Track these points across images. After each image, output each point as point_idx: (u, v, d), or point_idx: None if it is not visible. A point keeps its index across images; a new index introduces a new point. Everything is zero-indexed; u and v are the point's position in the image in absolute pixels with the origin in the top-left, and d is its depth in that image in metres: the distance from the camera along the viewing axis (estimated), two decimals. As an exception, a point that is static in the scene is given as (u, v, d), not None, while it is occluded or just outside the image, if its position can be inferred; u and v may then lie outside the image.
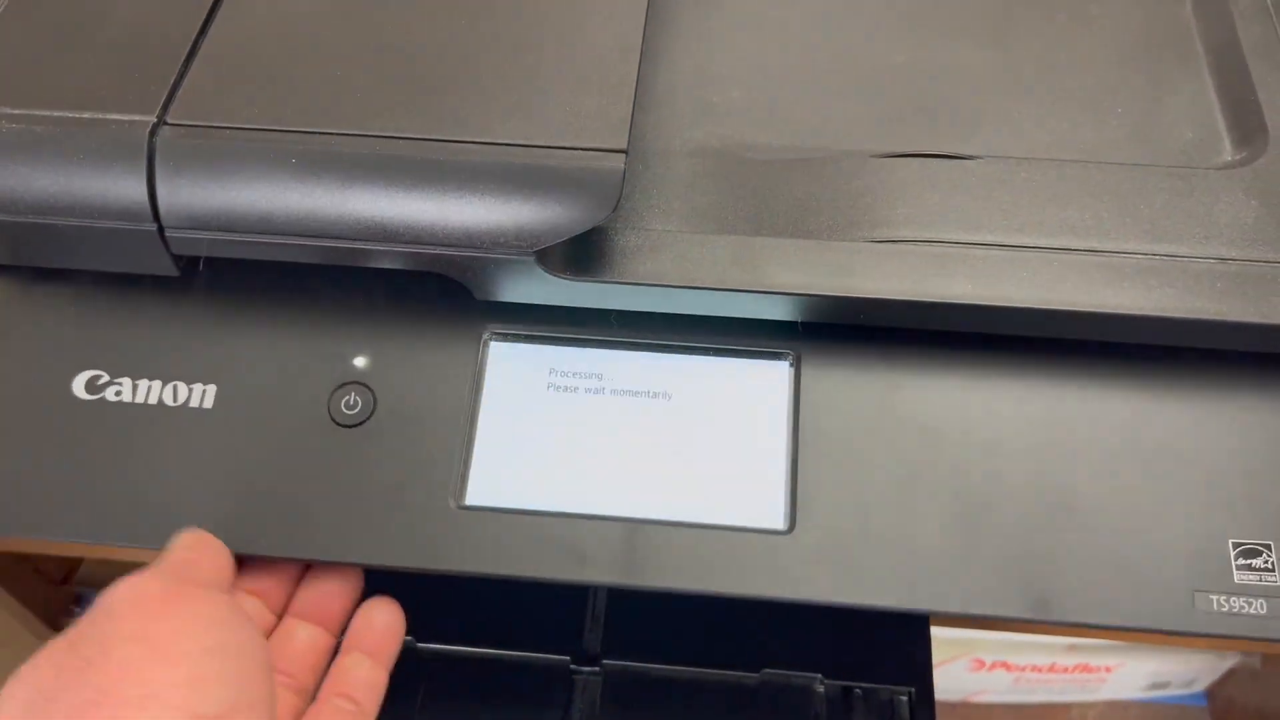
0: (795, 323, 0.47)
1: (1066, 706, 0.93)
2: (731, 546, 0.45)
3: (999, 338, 0.47)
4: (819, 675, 0.53)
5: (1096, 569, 0.44)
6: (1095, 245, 0.47)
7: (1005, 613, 0.44)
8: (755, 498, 0.46)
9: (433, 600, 0.53)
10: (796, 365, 0.47)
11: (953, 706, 0.93)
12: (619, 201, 0.44)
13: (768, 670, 0.53)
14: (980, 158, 0.50)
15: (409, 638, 0.54)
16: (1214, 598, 0.43)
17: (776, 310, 0.47)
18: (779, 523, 0.46)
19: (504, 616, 0.55)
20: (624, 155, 0.44)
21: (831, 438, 0.47)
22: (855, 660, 0.53)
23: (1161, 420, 0.46)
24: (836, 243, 0.47)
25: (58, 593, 0.89)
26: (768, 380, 0.48)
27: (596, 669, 0.54)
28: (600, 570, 0.45)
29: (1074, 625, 0.45)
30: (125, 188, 0.45)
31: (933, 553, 0.45)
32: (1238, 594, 0.43)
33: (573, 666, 0.54)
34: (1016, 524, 0.45)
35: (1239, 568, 0.43)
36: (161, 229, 0.46)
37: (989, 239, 0.47)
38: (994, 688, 0.92)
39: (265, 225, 0.45)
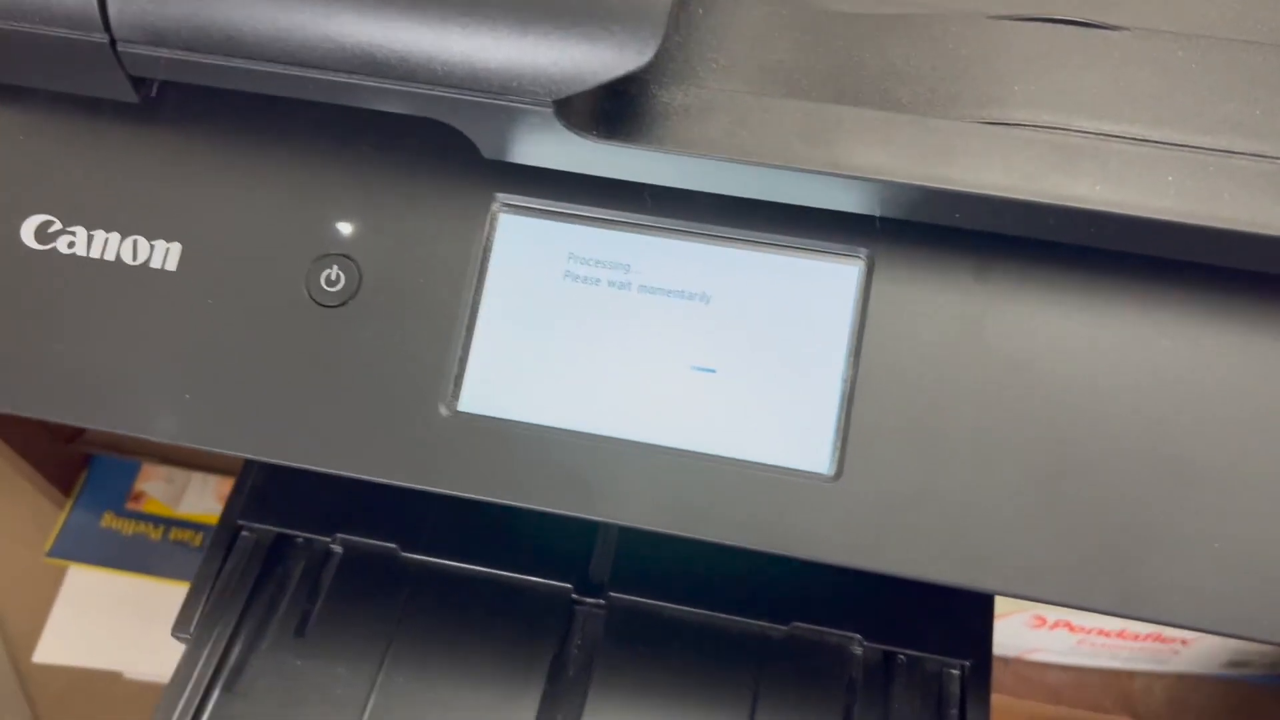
0: (872, 217, 0.38)
1: (1131, 675, 0.85)
2: (765, 490, 0.37)
3: (1127, 257, 0.37)
4: (858, 635, 0.45)
5: (1204, 560, 0.36)
6: (1265, 149, 0.37)
7: (1087, 602, 0.36)
8: (798, 432, 0.38)
9: (422, 504, 0.47)
10: (868, 271, 0.38)
11: (1006, 662, 0.85)
12: (661, 44, 0.35)
13: (798, 624, 0.46)
14: (1127, 29, 0.39)
15: (391, 545, 0.48)
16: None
17: (850, 199, 0.38)
18: (823, 465, 0.38)
19: (502, 531, 0.48)
20: (674, -13, 0.35)
21: (900, 365, 0.38)
22: (902, 622, 0.45)
23: (1327, 378, 0.36)
24: (934, 120, 0.37)
25: (66, 451, 0.85)
26: (831, 287, 0.39)
27: (601, 601, 0.47)
28: (608, 506, 0.38)
29: (1168, 624, 0.36)
30: (68, -13, 0.37)
31: (1007, 520, 0.36)
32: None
33: (575, 596, 0.47)
34: (1114, 493, 0.36)
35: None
36: (114, 41, 0.38)
37: (1129, 131, 0.37)
38: (1054, 647, 0.84)
39: (231, 45, 0.37)
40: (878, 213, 0.38)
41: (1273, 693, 0.85)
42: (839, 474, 0.37)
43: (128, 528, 0.84)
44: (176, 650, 0.47)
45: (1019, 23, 0.39)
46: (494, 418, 0.39)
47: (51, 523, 0.85)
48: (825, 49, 0.40)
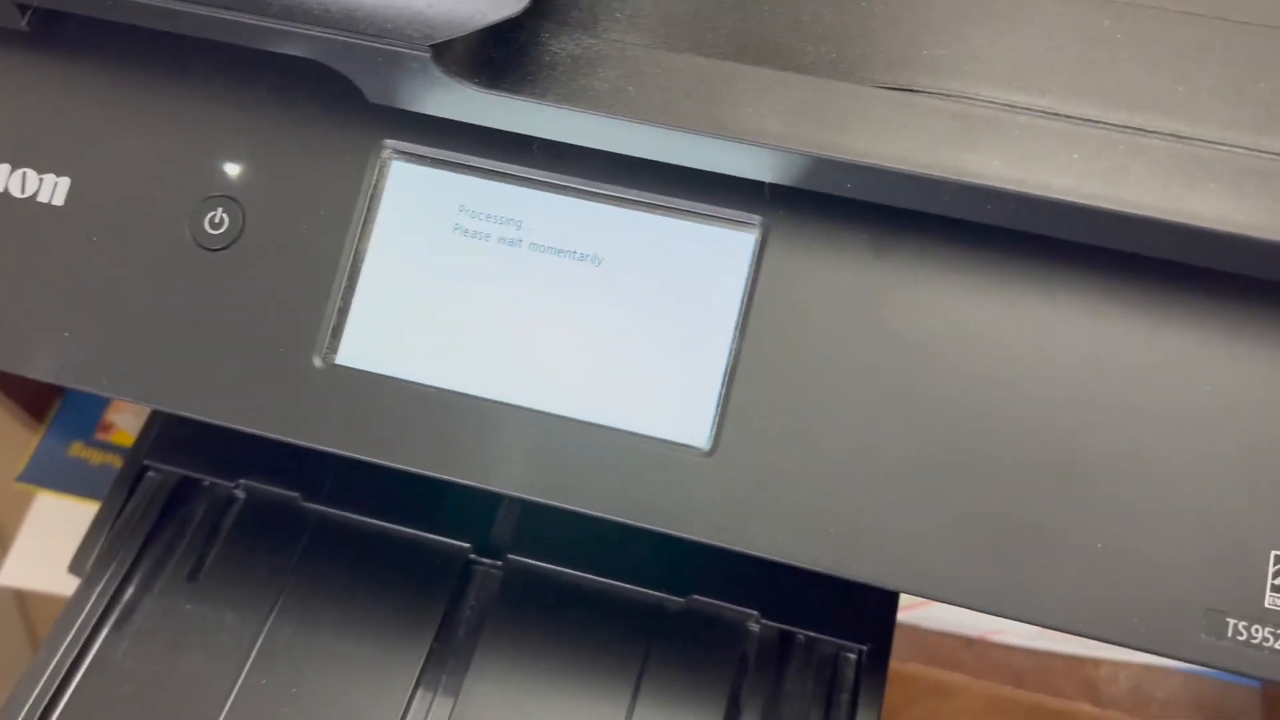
0: (763, 184, 0.36)
1: (1097, 663, 0.83)
2: (639, 461, 0.36)
3: (1029, 237, 0.35)
4: (756, 613, 0.44)
5: (1098, 562, 0.34)
6: (1183, 129, 0.34)
7: (972, 602, 0.34)
8: (680, 404, 0.37)
9: (326, 455, 0.46)
10: (762, 240, 0.37)
11: (969, 643, 0.84)
12: (538, -8, 0.33)
13: (696, 597, 0.44)
14: (1055, -7, 0.37)
15: (294, 493, 0.47)
16: (1236, 623, 0.32)
17: (740, 164, 0.36)
18: (701, 440, 0.36)
19: (407, 487, 0.47)
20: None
21: (788, 339, 0.36)
22: (803, 602, 0.44)
23: (1228, 381, 0.34)
24: (834, 83, 0.35)
25: (42, 384, 0.86)
26: (723, 254, 0.37)
27: (498, 563, 0.46)
28: (476, 469, 0.37)
29: (1059, 629, 0.35)
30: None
31: (892, 507, 0.35)
32: (1266, 622, 0.32)
33: (473, 556, 0.46)
34: (1007, 486, 0.35)
35: (1275, 589, 0.32)
36: (-5, -32, 0.37)
37: (1038, 103, 0.35)
38: (1018, 630, 0.83)
39: (109, -25, 0.36)
40: (768, 179, 0.36)
41: (1238, 690, 0.83)
42: (714, 449, 0.36)
43: (96, 457, 0.85)
44: None
45: (943, -19, 0.37)
46: (370, 373, 0.38)
47: (24, 449, 0.86)
48: (738, 3, 0.38)
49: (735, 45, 0.37)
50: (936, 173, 0.33)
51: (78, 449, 0.85)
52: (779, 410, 0.36)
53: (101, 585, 0.45)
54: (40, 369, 0.39)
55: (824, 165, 0.34)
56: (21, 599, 0.87)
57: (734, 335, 0.37)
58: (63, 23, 0.40)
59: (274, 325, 0.38)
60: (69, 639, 0.44)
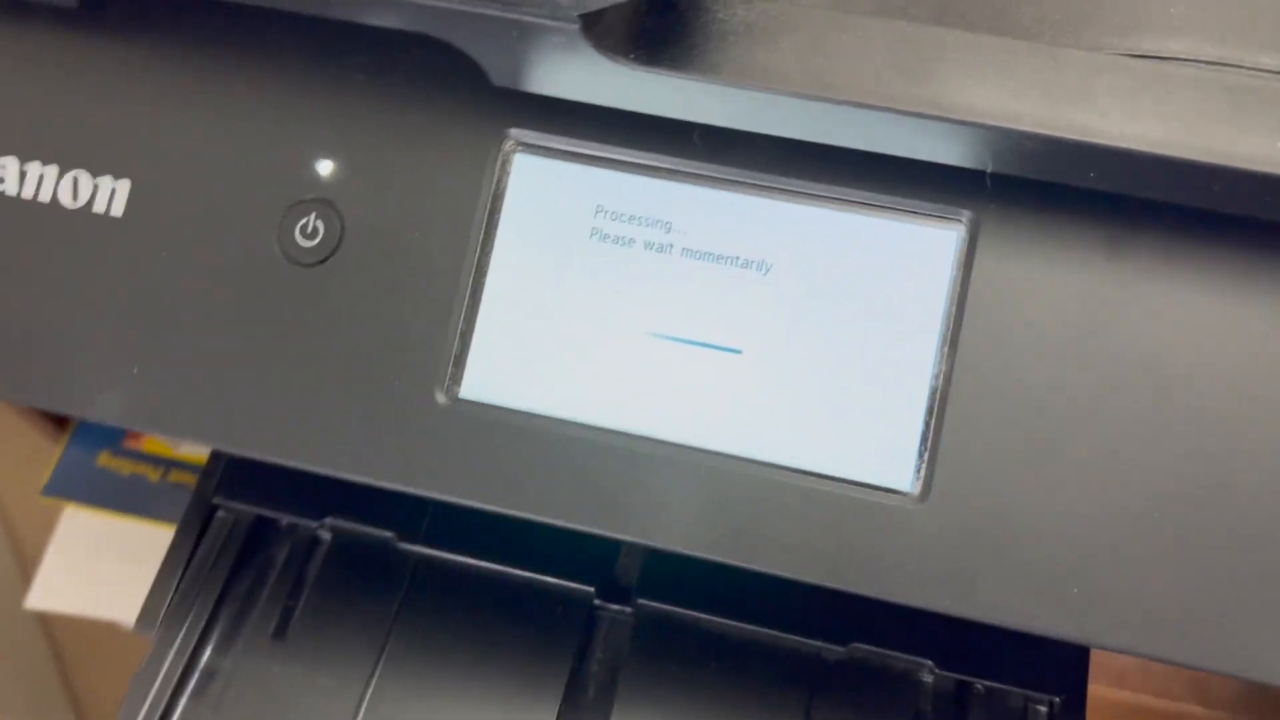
0: (980, 172, 0.30)
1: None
2: (831, 510, 0.30)
3: (1307, 233, 0.29)
4: (929, 661, 0.39)
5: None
6: None
7: (1228, 668, 0.29)
8: (875, 439, 0.31)
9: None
10: (970, 238, 0.31)
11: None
12: (723, -55, 0.27)
13: (858, 645, 0.39)
14: (1318, -66, 0.31)
15: (387, 533, 0.41)
16: None
17: (956, 150, 0.30)
18: (905, 482, 0.30)
19: (516, 522, 0.41)
20: None
21: (1006, 360, 0.30)
22: (981, 646, 0.39)
23: None
24: (1066, 50, 0.29)
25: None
26: (921, 256, 0.31)
27: (628, 608, 0.40)
28: (637, 523, 0.31)
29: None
30: None
31: (1146, 558, 0.29)
32: None
33: (598, 601, 0.40)
34: (1266, 533, 0.29)
35: None
36: (38, -68, 0.31)
37: (1324, 68, 0.29)
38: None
39: (179, -62, 0.29)
40: (989, 168, 0.30)
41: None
42: (925, 494, 0.30)
43: (126, 467, 0.79)
44: None
45: (1178, -76, 0.31)
46: (501, 407, 0.32)
47: (48, 459, 0.80)
48: (926, -46, 0.32)
49: (935, 5, 0.31)
50: (1209, 159, 0.27)
51: (105, 459, 0.79)
52: (1000, 444, 0.30)
53: (176, 646, 0.39)
54: (106, 411, 0.33)
55: (1067, 149, 0.28)
56: (46, 618, 0.81)
57: (939, 353, 0.31)
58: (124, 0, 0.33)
59: (384, 354, 0.32)
60: (145, 709, 0.38)
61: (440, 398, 0.32)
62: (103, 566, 0.78)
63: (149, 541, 0.79)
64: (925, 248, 0.31)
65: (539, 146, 0.32)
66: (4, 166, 0.34)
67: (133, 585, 0.78)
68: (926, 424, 0.30)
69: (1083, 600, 0.29)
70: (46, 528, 0.80)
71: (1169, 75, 0.28)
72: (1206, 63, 0.29)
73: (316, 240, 0.33)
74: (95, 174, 0.33)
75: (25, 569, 0.78)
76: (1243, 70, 0.28)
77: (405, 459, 0.32)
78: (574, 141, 0.32)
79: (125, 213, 0.33)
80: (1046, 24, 0.30)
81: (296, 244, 0.33)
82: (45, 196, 0.34)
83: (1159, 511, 0.29)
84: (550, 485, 0.31)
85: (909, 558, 0.30)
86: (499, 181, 0.32)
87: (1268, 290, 0.29)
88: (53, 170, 0.34)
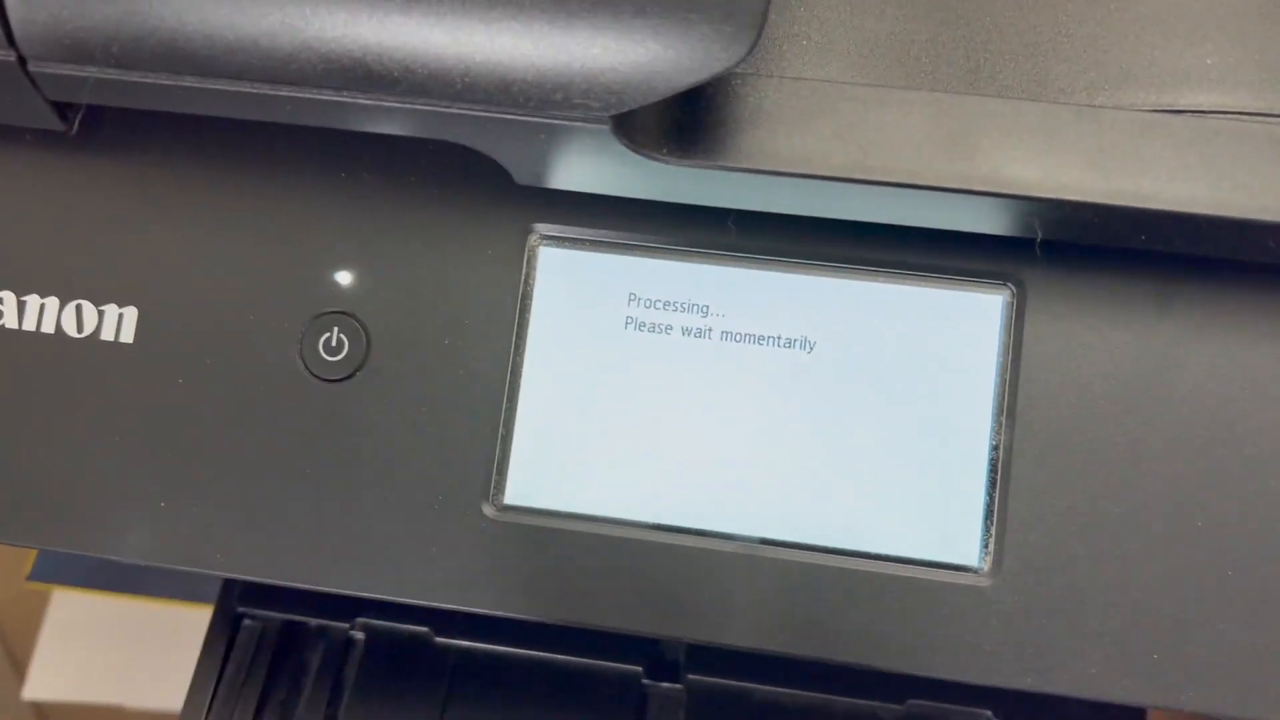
0: (1023, 239, 0.30)
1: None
2: (898, 593, 0.30)
3: (1359, 277, 0.29)
4: (989, 712, 0.38)
5: None
6: None
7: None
8: (940, 515, 0.30)
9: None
10: (1017, 303, 0.30)
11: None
12: (760, 33, 0.26)
13: (915, 701, 0.38)
14: (1340, -31, 0.30)
15: (423, 629, 0.40)
16: None
17: (1003, 221, 0.29)
18: (972, 558, 0.30)
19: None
20: (770, -45, 0.26)
21: (1066, 422, 0.30)
22: (1043, 697, 0.38)
23: None
24: (1108, 111, 0.28)
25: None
26: (969, 322, 0.31)
27: (679, 685, 0.39)
28: (703, 624, 0.30)
29: None
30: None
31: (1224, 619, 0.29)
32: None
33: (646, 680, 0.39)
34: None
35: None
36: (22, 59, 0.29)
37: (1367, 113, 0.28)
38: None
39: (178, 59, 0.28)
40: (1038, 236, 0.29)
41: None
42: (995, 569, 0.29)
43: (116, 546, 0.77)
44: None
45: (1202, -31, 0.30)
46: (549, 511, 0.31)
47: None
48: (946, 13, 0.31)
49: (965, 68, 0.30)
50: (1262, 216, 0.27)
51: (94, 537, 0.77)
52: (1066, 512, 0.29)
53: (217, 769, 0.38)
54: (136, 551, 0.31)
55: (1118, 215, 0.28)
56: (44, 709, 0.79)
57: (995, 422, 0.30)
58: (119, 119, 0.32)
59: (422, 467, 0.31)
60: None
61: (486, 509, 0.31)
62: (98, 649, 0.76)
63: (143, 619, 0.77)
64: (972, 314, 0.31)
65: (565, 239, 0.31)
66: (3, 299, 0.32)
67: (131, 666, 0.76)
68: (990, 496, 0.30)
69: (1163, 665, 0.29)
70: (36, 615, 0.78)
71: (1213, 131, 0.28)
72: (1248, 114, 0.28)
73: (342, 354, 0.31)
74: (99, 303, 0.32)
75: (17, 660, 0.75)
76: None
77: (454, 576, 0.31)
78: (602, 232, 0.31)
79: (136, 338, 0.32)
80: (1082, 83, 0.29)
81: (321, 359, 0.31)
82: (49, 327, 0.32)
83: (1232, 569, 0.29)
84: (608, 590, 0.30)
85: (983, 636, 0.29)
86: (527, 278, 0.31)
87: (1322, 336, 0.29)
88: (53, 302, 0.32)
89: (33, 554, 0.77)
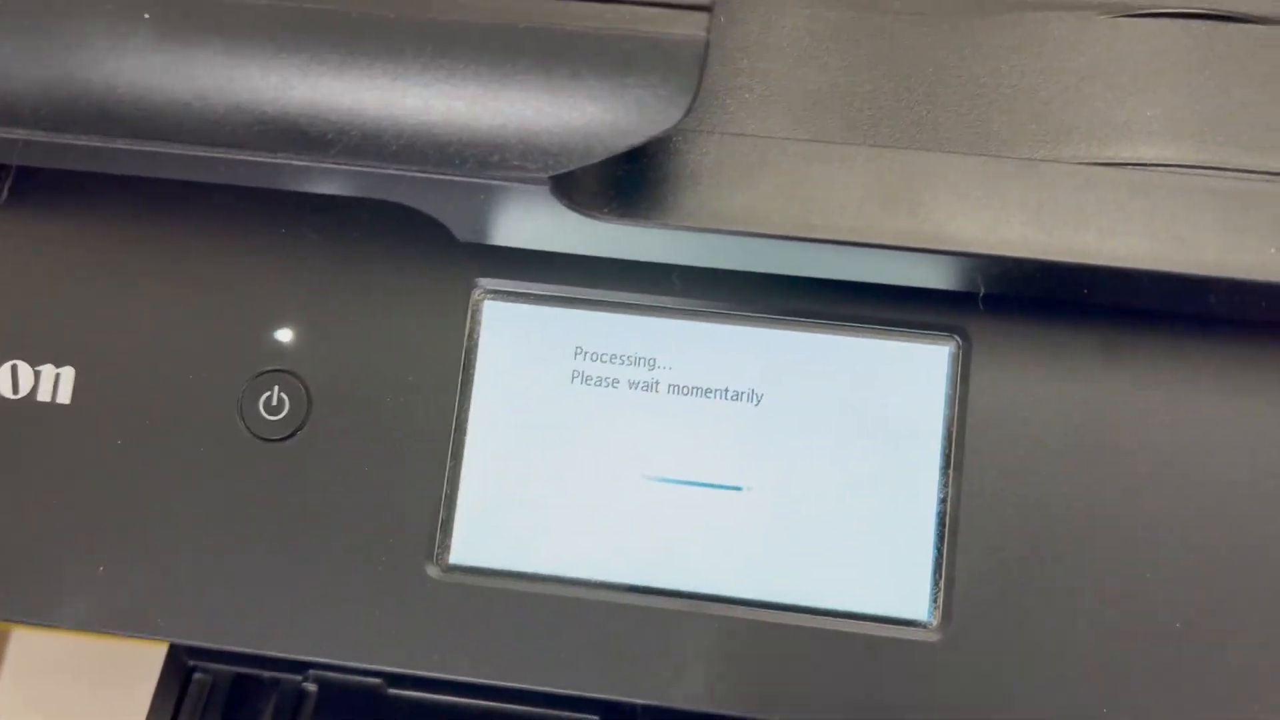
0: (972, 293, 0.29)
1: None
2: (852, 650, 0.29)
3: (1301, 328, 0.29)
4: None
5: None
6: None
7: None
8: (888, 569, 0.30)
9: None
10: (962, 354, 0.30)
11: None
12: (696, 96, 0.26)
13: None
14: None
15: (377, 680, 0.39)
16: None
17: (946, 276, 0.29)
18: (923, 613, 0.29)
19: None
20: (708, 14, 0.26)
21: (1014, 474, 0.30)
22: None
23: None
24: (1050, 165, 0.28)
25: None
26: (914, 374, 0.30)
27: (636, 732, 0.39)
28: (654, 685, 0.30)
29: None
30: None
31: (1181, 677, 0.29)
32: None
33: (603, 728, 0.39)
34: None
35: None
36: (-51, 122, 0.28)
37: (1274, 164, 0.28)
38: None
39: (109, 121, 0.27)
40: (980, 291, 0.29)
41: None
42: (944, 623, 0.29)
43: (76, 582, 0.76)
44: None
45: (1143, 19, 0.30)
46: (496, 570, 0.30)
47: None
48: (888, 65, 0.31)
49: (906, 122, 0.30)
50: (1204, 271, 0.27)
51: (53, 574, 0.76)
52: (1015, 565, 0.29)
53: (167, 829, 0.37)
54: (72, 618, 0.31)
55: (1062, 271, 0.27)
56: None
57: (942, 475, 0.30)
58: (50, 180, 0.31)
59: (365, 528, 0.30)
60: None
61: (430, 569, 0.30)
62: (60, 688, 0.75)
63: (106, 657, 0.76)
64: (918, 366, 0.30)
65: (510, 293, 0.31)
66: (-68, 360, 0.32)
67: (94, 705, 0.75)
68: (938, 550, 0.30)
69: (1114, 719, 0.29)
70: (-6, 653, 0.76)
71: (1155, 184, 0.28)
72: (1190, 167, 0.28)
73: (283, 414, 0.31)
74: (35, 364, 0.31)
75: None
76: (1226, 174, 0.28)
77: (400, 638, 0.30)
78: (547, 286, 0.31)
79: (73, 399, 0.31)
80: (1024, 135, 0.29)
81: (261, 418, 0.31)
82: (-18, 389, 0.31)
83: (1180, 621, 0.29)
84: (557, 651, 0.30)
85: (934, 691, 0.29)
86: (471, 333, 0.31)
87: (1268, 387, 0.29)
88: (-13, 360, 0.31)
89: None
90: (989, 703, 0.29)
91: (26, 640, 0.77)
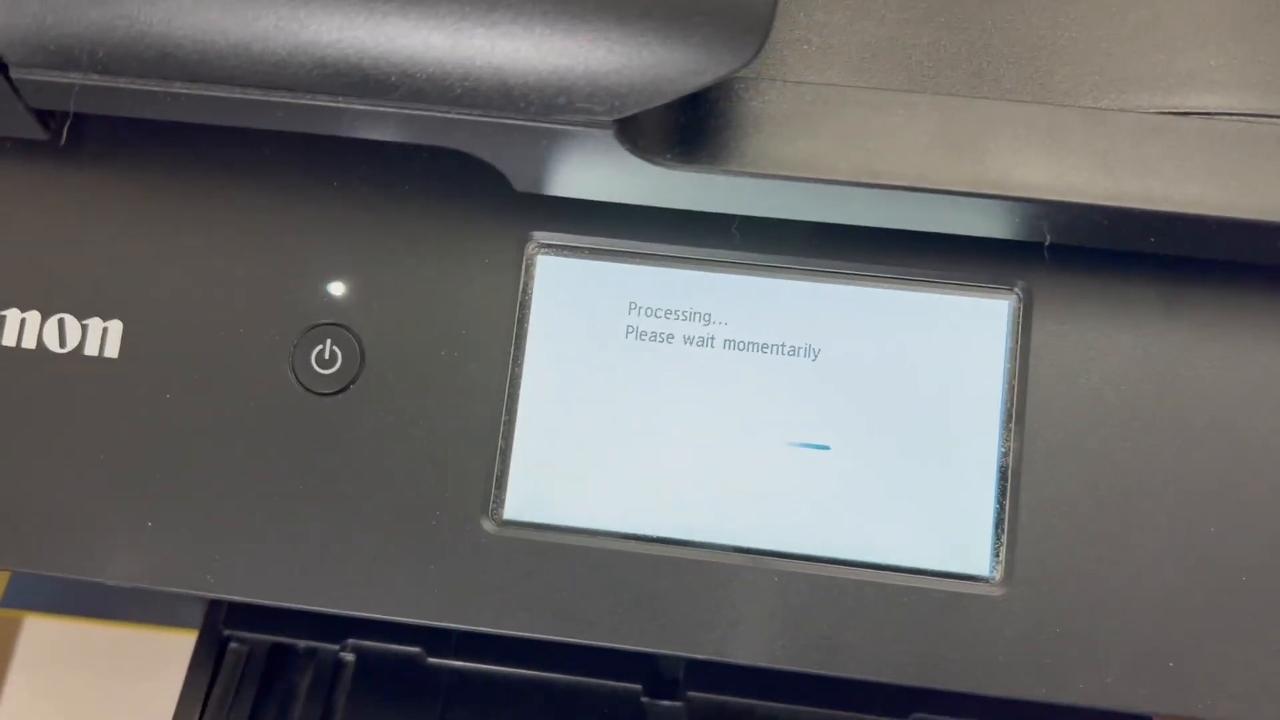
0: (1029, 243, 0.29)
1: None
2: (913, 605, 0.29)
3: (1365, 278, 0.29)
4: (992, 724, 0.38)
5: None
6: None
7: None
8: (949, 524, 0.30)
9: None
10: (1024, 307, 0.30)
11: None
12: (767, 34, 0.25)
13: (919, 715, 0.38)
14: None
15: (415, 649, 0.39)
16: None
17: (1011, 225, 0.29)
18: (984, 568, 0.29)
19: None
20: (777, -45, 0.25)
21: (1075, 428, 0.29)
22: (1045, 707, 0.38)
23: None
24: (1115, 114, 0.28)
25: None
26: (975, 328, 0.30)
27: (678, 703, 0.39)
28: (710, 640, 0.29)
29: None
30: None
31: (1243, 626, 0.28)
32: None
33: (645, 699, 0.39)
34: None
35: None
36: (4, 66, 0.28)
37: (1372, 114, 0.28)
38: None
39: (166, 64, 0.27)
40: (1046, 239, 0.29)
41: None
42: (1006, 579, 0.29)
43: (90, 570, 0.75)
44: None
45: (1203, -29, 0.30)
46: (550, 525, 0.30)
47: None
48: (946, 17, 0.31)
49: (967, 71, 0.30)
50: (1271, 217, 0.27)
51: (67, 562, 0.76)
52: (1077, 519, 0.29)
53: (204, 798, 0.37)
54: (120, 572, 0.30)
55: (1129, 218, 0.27)
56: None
57: (1003, 429, 0.30)
58: (105, 127, 0.31)
59: (419, 482, 0.30)
60: None
61: (485, 524, 0.30)
62: (73, 679, 0.74)
63: (119, 646, 0.75)
64: (978, 320, 0.30)
65: (564, 247, 0.31)
66: (-21, 313, 0.31)
67: (107, 696, 0.75)
68: (1000, 504, 0.29)
69: (1180, 673, 0.28)
70: (7, 643, 0.76)
71: (1219, 133, 0.28)
72: (1253, 115, 0.28)
73: (335, 367, 0.30)
74: (82, 317, 0.31)
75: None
76: (1291, 121, 0.28)
77: (452, 593, 0.30)
78: (601, 240, 0.31)
79: (122, 353, 0.31)
80: (1086, 86, 0.29)
81: (314, 372, 0.30)
82: (30, 343, 0.31)
83: (1246, 573, 0.29)
84: (611, 606, 0.30)
85: (997, 648, 0.29)
86: (525, 288, 0.31)
87: (1330, 339, 0.29)
88: (34, 316, 0.31)
89: (3, 580, 0.75)
90: (1051, 657, 0.29)
91: (36, 631, 0.76)
